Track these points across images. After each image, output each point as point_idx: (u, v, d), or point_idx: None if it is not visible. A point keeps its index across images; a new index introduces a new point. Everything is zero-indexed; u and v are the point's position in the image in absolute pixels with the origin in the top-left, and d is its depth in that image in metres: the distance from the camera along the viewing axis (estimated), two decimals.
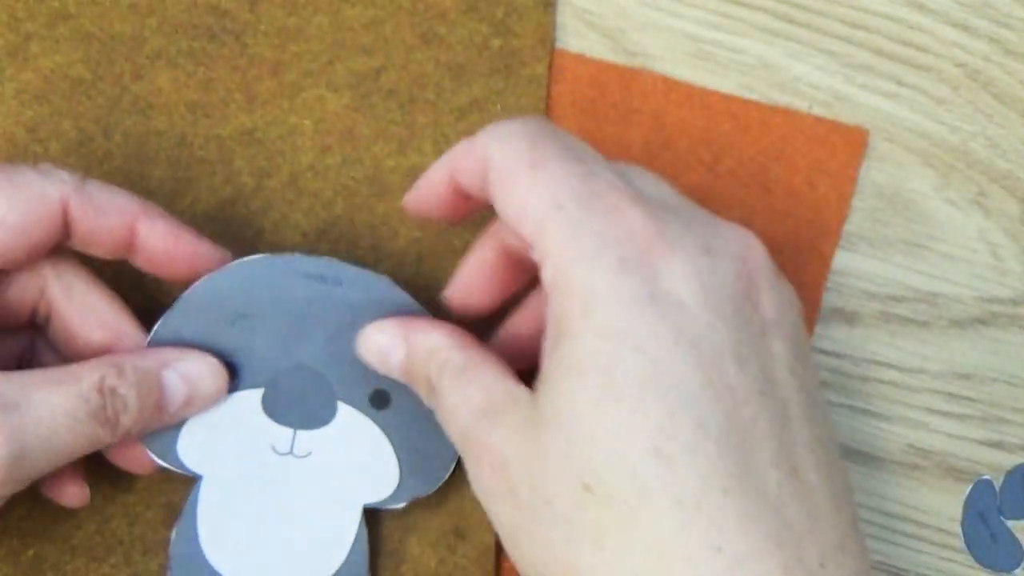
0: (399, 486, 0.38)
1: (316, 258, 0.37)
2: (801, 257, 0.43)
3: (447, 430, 0.34)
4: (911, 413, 0.43)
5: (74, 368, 0.35)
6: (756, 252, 0.33)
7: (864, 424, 0.42)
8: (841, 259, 0.43)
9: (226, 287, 0.37)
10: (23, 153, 0.39)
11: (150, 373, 0.36)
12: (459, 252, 0.41)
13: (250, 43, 0.42)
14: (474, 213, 0.37)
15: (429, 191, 0.36)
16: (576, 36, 0.43)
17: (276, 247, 0.40)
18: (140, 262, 0.37)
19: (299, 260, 0.37)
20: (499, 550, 0.40)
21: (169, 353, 0.37)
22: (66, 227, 0.35)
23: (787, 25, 0.44)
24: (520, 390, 0.32)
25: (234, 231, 0.40)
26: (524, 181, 0.31)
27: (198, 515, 0.38)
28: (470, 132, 0.41)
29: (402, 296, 0.37)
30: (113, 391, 0.35)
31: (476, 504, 0.38)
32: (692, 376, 0.29)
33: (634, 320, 0.29)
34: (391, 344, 0.36)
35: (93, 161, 0.39)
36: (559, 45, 0.44)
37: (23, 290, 0.37)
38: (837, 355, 0.42)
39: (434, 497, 0.39)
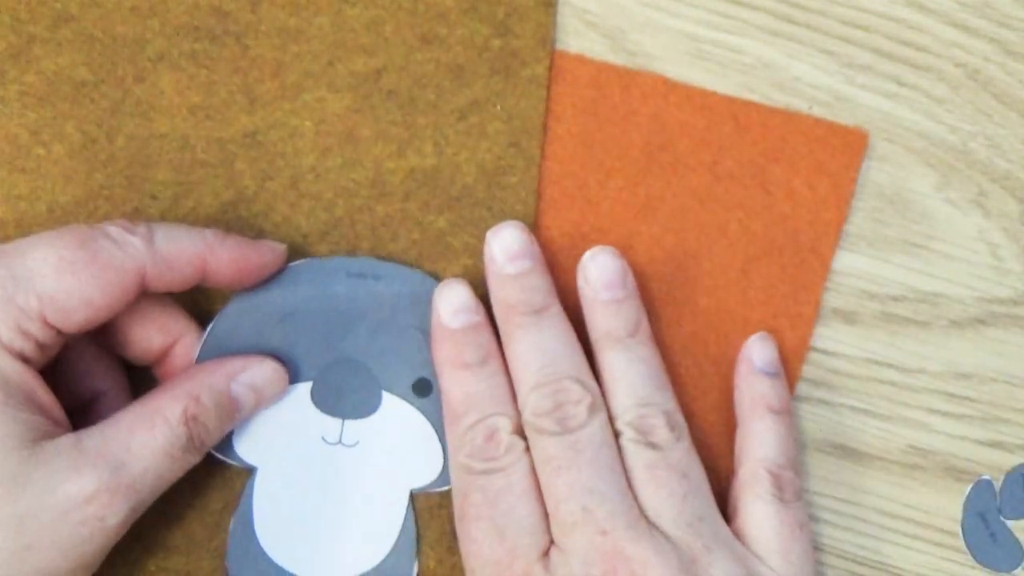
0: (443, 469, 0.39)
1: (355, 258, 0.39)
2: (801, 257, 0.43)
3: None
4: (911, 413, 0.43)
5: (157, 404, 0.36)
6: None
7: (864, 424, 0.42)
8: (841, 259, 0.43)
9: (272, 289, 0.39)
10: (26, 155, 0.39)
11: (223, 392, 0.38)
12: (459, 253, 0.42)
13: (251, 44, 0.42)
14: None
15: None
16: (576, 36, 0.43)
17: None
18: (212, 285, 0.39)
19: (340, 260, 0.39)
20: None
21: (233, 364, 0.39)
22: (142, 287, 0.37)
23: (787, 25, 0.44)
24: None
25: (236, 233, 0.40)
26: None
27: (253, 506, 0.39)
28: (470, 133, 0.42)
29: (433, 284, 0.39)
30: (196, 419, 0.36)
31: None
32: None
33: (788, 534, 0.37)
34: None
35: (96, 164, 0.39)
36: (559, 46, 0.44)
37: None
38: (837, 355, 0.42)
39: (435, 498, 0.40)
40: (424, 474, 0.40)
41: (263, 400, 0.39)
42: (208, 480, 0.39)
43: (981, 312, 0.43)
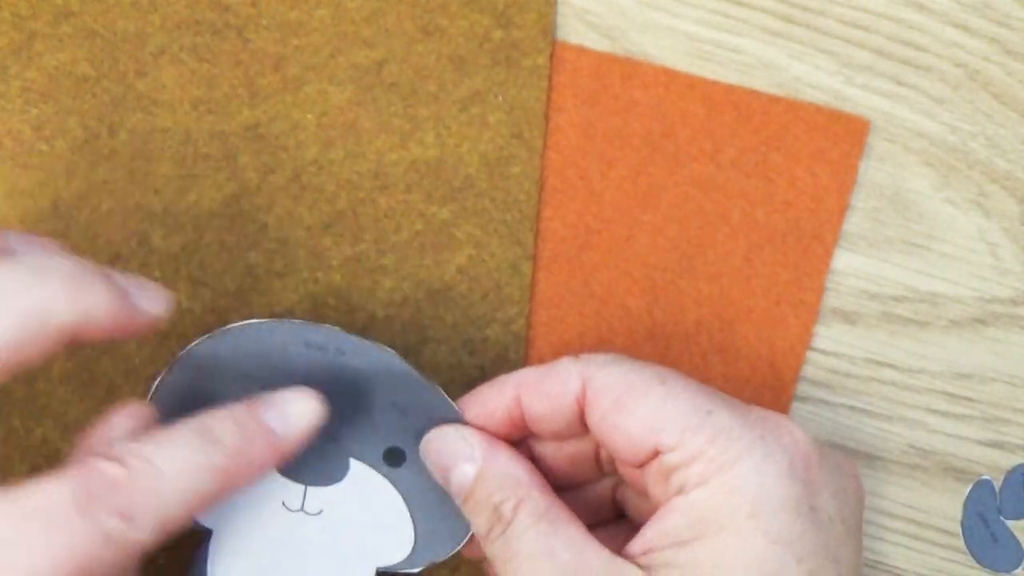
0: (414, 549, 0.37)
1: (317, 327, 0.35)
2: (803, 245, 0.43)
3: (508, 565, 0.33)
4: (911, 413, 0.43)
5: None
6: (858, 477, 0.35)
7: (864, 424, 0.43)
8: (841, 259, 0.43)
9: (226, 350, 0.36)
10: (29, 151, 0.40)
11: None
12: (463, 244, 0.42)
13: (252, 38, 0.42)
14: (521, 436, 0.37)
15: (489, 415, 0.36)
16: (576, 35, 0.44)
17: (280, 242, 0.40)
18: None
19: (300, 328, 0.36)
20: None
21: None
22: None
23: (787, 25, 0.44)
24: (629, 566, 0.32)
25: (239, 227, 0.40)
26: (657, 393, 0.33)
27: (208, 569, 0.37)
28: (471, 124, 0.42)
29: (406, 370, 0.36)
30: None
31: None
32: None
33: (799, 531, 0.31)
34: (462, 455, 0.35)
35: (98, 158, 0.40)
36: (560, 37, 0.44)
37: None
38: (837, 355, 0.42)
39: None
40: (393, 552, 0.37)
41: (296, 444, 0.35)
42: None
43: (981, 312, 0.43)
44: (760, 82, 0.43)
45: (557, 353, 0.39)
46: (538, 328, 0.41)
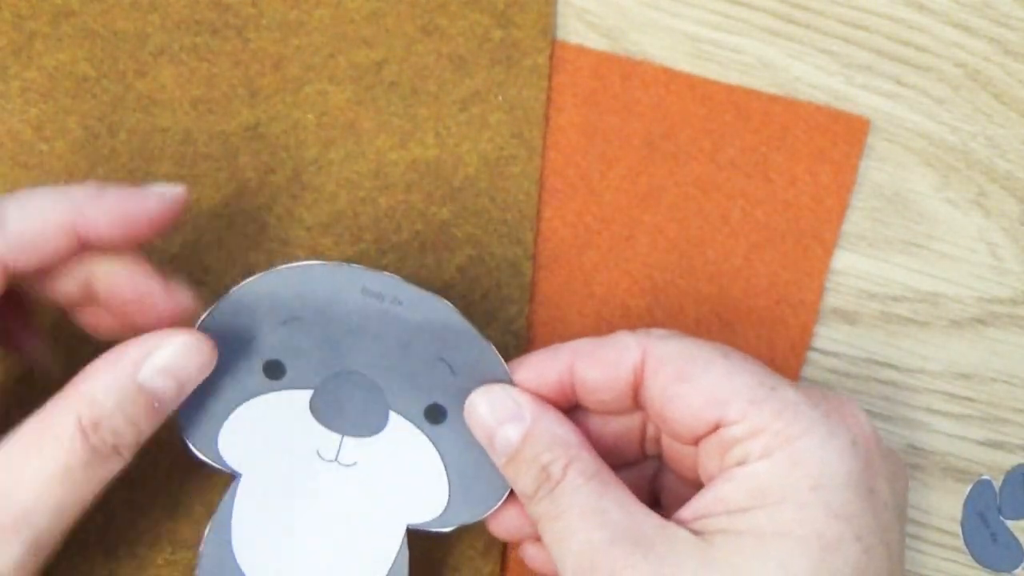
0: (447, 509, 0.36)
1: (377, 274, 0.35)
2: (803, 245, 0.44)
3: (554, 532, 0.33)
4: (911, 413, 0.43)
5: (47, 418, 0.32)
6: (905, 467, 0.36)
7: None
8: (841, 259, 0.43)
9: (278, 288, 0.36)
10: (29, 151, 0.39)
11: (126, 386, 0.33)
12: (462, 243, 0.42)
13: (252, 38, 0.42)
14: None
15: (539, 379, 0.36)
16: (576, 35, 0.44)
17: (281, 242, 0.40)
18: (100, 247, 0.34)
19: (359, 273, 0.35)
20: (506, 542, 0.40)
21: (135, 350, 0.33)
22: (7, 277, 0.33)
23: (787, 25, 0.44)
24: (680, 530, 0.32)
25: (239, 227, 0.40)
26: (720, 366, 0.33)
27: (232, 515, 0.36)
28: (471, 123, 0.42)
29: (464, 325, 0.35)
30: (97, 426, 0.32)
31: None
32: (886, 572, 0.32)
33: (859, 508, 0.31)
34: (510, 414, 0.35)
35: (98, 158, 0.40)
36: (559, 37, 0.44)
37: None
38: (837, 355, 0.42)
39: (432, 540, 0.38)
40: (424, 510, 0.36)
41: (187, 382, 0.34)
42: (215, 475, 0.37)
43: (981, 312, 0.43)
44: (760, 82, 0.43)
45: None
46: (538, 328, 0.41)
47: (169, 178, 0.40)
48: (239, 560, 0.36)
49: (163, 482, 0.39)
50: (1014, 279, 0.44)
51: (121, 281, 0.34)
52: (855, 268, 0.43)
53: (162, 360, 0.33)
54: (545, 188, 0.43)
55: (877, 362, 0.42)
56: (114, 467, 0.32)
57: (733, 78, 0.44)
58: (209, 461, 0.36)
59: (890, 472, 0.33)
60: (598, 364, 0.35)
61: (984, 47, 0.45)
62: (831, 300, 0.43)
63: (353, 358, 0.36)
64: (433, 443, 0.36)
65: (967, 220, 0.44)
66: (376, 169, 0.41)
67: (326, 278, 0.36)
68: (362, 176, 0.41)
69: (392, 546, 0.36)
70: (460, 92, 0.42)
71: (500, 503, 0.36)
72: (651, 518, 0.33)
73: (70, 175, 0.39)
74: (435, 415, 0.36)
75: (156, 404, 0.33)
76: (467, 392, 0.36)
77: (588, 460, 0.33)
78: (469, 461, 0.36)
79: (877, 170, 0.44)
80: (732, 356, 0.34)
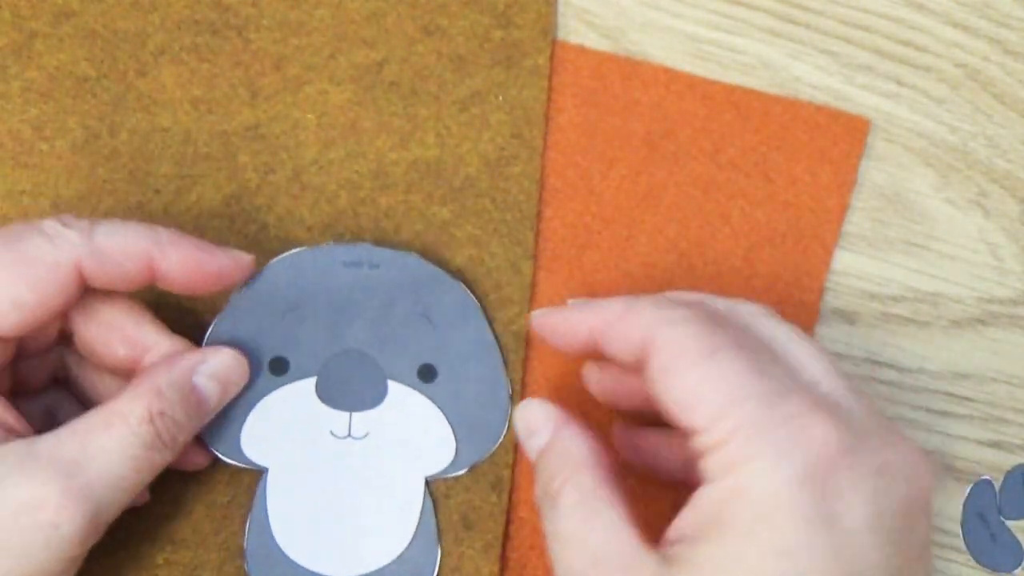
0: (457, 454, 0.39)
1: (351, 245, 0.39)
2: (803, 245, 0.44)
3: (550, 551, 0.33)
4: (911, 413, 0.43)
5: (117, 406, 0.35)
6: (925, 477, 0.33)
7: None
8: (841, 259, 0.43)
9: (272, 283, 0.39)
10: (29, 151, 0.39)
11: (186, 385, 0.36)
12: (463, 243, 0.42)
13: (252, 38, 0.42)
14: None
15: (563, 332, 0.37)
16: (576, 35, 0.44)
17: (281, 242, 0.40)
18: (165, 287, 0.37)
19: (335, 249, 0.39)
20: (505, 540, 0.40)
21: (192, 357, 0.37)
22: (82, 284, 0.35)
23: (787, 25, 0.44)
24: (651, 556, 0.32)
25: (239, 227, 0.40)
26: (702, 367, 0.32)
27: (268, 507, 0.39)
28: (472, 124, 0.42)
29: (432, 269, 0.39)
30: (162, 415, 0.35)
31: (484, 494, 0.41)
32: None
33: (805, 541, 0.30)
34: (539, 427, 0.36)
35: (99, 158, 0.40)
36: (560, 37, 0.44)
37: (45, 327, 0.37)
38: (837, 355, 0.42)
39: (442, 486, 0.40)
40: (437, 460, 0.39)
41: (228, 390, 0.38)
42: (215, 474, 0.39)
43: (981, 312, 0.43)
44: (760, 82, 0.43)
45: (557, 354, 0.40)
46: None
47: (169, 179, 0.40)
48: (283, 546, 0.39)
49: (163, 482, 0.38)
50: (1014, 279, 0.44)
51: (175, 269, 0.36)
52: (855, 268, 0.43)
53: (212, 367, 0.37)
54: (545, 187, 0.43)
55: (877, 362, 0.42)
56: (167, 458, 0.35)
57: (733, 78, 0.43)
58: (236, 463, 0.39)
59: (872, 490, 0.31)
60: (615, 338, 0.34)
61: (984, 47, 0.45)
62: (831, 300, 0.43)
63: (347, 335, 0.39)
64: (431, 400, 0.39)
65: (967, 220, 0.44)
66: (376, 169, 0.41)
67: (311, 261, 0.40)
68: (363, 176, 0.41)
69: (416, 499, 0.39)
70: (460, 92, 0.42)
71: (503, 437, 0.39)
72: (628, 543, 0.32)
73: (70, 175, 0.39)
74: (427, 374, 0.40)
75: (204, 406, 0.37)
76: (450, 345, 0.40)
77: (585, 480, 0.34)
78: (467, 408, 0.39)
79: (877, 170, 0.44)
80: (721, 353, 0.32)
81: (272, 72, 0.41)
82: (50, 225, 0.35)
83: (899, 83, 0.44)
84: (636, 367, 0.34)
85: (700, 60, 0.43)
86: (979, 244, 0.44)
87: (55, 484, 0.32)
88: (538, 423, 0.36)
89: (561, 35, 0.44)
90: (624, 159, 0.43)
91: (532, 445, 0.36)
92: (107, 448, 0.33)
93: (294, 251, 0.40)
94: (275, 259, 0.39)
